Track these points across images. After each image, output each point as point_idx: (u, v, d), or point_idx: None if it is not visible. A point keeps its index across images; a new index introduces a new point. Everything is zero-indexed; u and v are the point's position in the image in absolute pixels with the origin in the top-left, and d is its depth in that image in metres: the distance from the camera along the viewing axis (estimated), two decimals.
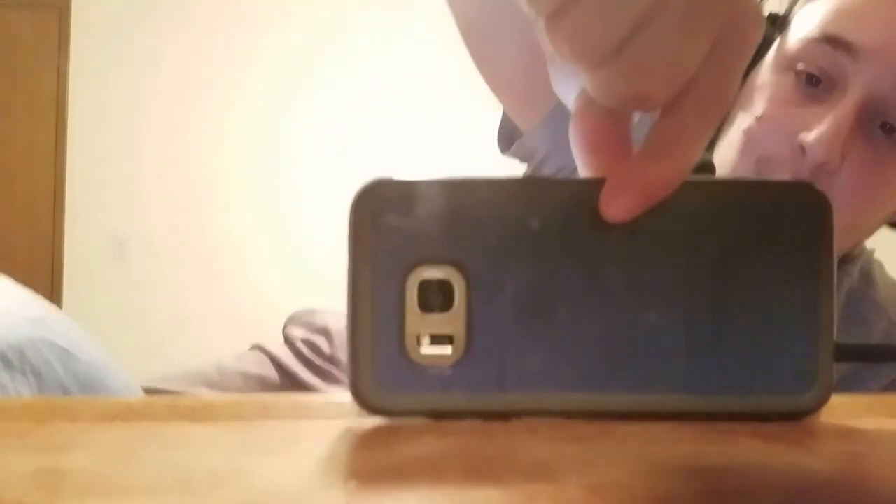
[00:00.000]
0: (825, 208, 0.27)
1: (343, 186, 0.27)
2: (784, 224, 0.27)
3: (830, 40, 0.56)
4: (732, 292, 0.27)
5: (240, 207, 3.29)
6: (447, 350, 0.27)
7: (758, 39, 0.27)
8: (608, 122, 0.28)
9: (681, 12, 0.25)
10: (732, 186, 0.29)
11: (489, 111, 0.75)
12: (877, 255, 0.71)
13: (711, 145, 0.64)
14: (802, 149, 0.56)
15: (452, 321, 0.27)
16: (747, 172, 0.59)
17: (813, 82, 0.57)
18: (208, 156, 3.30)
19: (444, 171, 0.28)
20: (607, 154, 0.28)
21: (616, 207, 0.26)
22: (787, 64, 0.59)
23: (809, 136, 0.55)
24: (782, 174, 0.56)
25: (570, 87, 0.29)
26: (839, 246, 0.63)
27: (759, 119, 0.58)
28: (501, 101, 0.73)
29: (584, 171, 0.28)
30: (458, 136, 3.08)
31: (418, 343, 0.27)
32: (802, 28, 0.58)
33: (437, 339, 0.27)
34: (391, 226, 0.27)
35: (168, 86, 3.30)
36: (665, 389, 0.27)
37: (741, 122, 0.60)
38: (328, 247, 2.82)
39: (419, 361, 0.27)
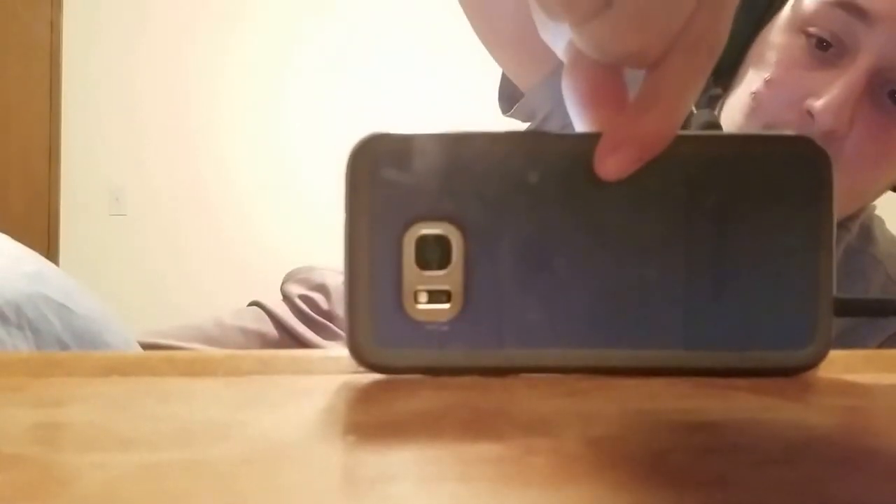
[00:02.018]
0: (825, 163, 0.27)
1: (346, 139, 0.26)
2: (784, 178, 0.27)
3: (844, 4, 0.55)
4: (731, 247, 0.27)
5: (238, 160, 3.27)
6: (445, 306, 0.27)
7: None
8: (602, 75, 0.27)
9: None
10: (732, 140, 0.29)
11: (492, 63, 0.74)
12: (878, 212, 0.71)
13: (717, 103, 0.63)
14: (810, 115, 0.55)
15: (450, 277, 0.27)
16: None
17: (823, 47, 0.56)
18: (206, 106, 3.27)
19: (443, 124, 0.28)
20: (603, 108, 0.27)
21: (610, 165, 0.26)
22: (799, 25, 0.58)
23: (818, 103, 0.55)
24: None
25: (559, 36, 0.28)
26: (841, 210, 0.63)
27: (767, 82, 0.58)
28: (500, 62, 0.72)
29: (580, 126, 0.28)
30: (459, 88, 3.05)
31: (416, 299, 0.27)
32: None
33: (434, 296, 0.27)
34: (388, 181, 0.26)
35: (162, 35, 3.25)
36: (664, 345, 0.27)
37: (750, 83, 0.59)
38: (329, 199, 2.82)
39: (417, 318, 0.27)
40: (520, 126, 0.74)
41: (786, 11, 0.60)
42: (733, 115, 0.60)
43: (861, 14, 0.55)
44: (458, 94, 3.05)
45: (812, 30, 0.57)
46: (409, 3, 3.21)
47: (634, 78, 0.27)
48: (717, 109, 0.64)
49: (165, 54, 3.26)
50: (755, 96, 0.58)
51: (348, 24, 3.26)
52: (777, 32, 0.60)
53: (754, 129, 0.58)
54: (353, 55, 3.27)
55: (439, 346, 0.27)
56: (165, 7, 3.26)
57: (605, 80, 0.27)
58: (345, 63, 3.28)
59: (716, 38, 0.26)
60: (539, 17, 0.29)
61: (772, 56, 0.59)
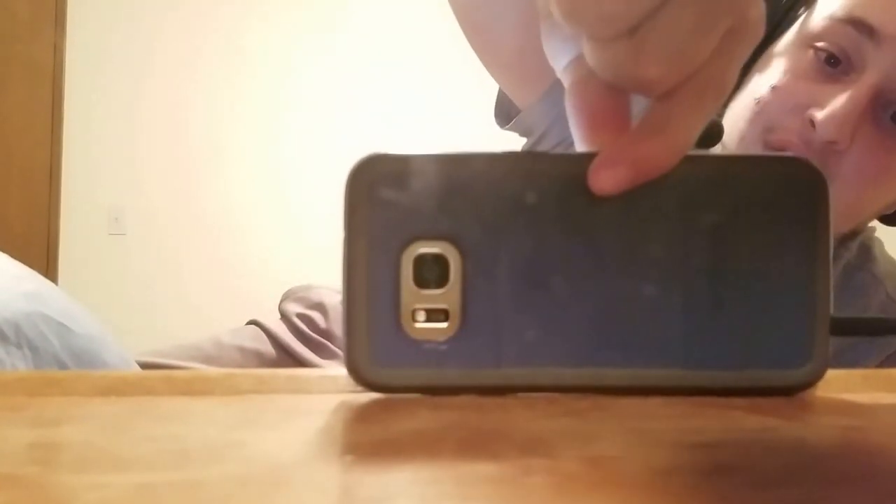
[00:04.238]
0: (821, 183, 0.27)
1: (343, 159, 0.27)
2: (780, 199, 0.27)
3: (855, 22, 0.56)
4: (728, 267, 0.27)
5: (237, 182, 3.28)
6: (443, 325, 0.27)
7: (762, 32, 0.27)
8: (608, 97, 0.27)
9: (701, 2, 0.25)
10: (730, 160, 0.29)
11: (488, 85, 0.74)
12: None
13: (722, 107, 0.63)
14: (812, 124, 0.56)
15: (448, 296, 0.27)
16: (755, 141, 0.59)
17: (831, 62, 0.57)
18: (205, 128, 3.28)
19: (441, 145, 0.28)
20: (606, 131, 0.27)
21: (603, 179, 0.26)
22: (808, 40, 0.58)
23: (821, 113, 0.55)
24: (789, 146, 0.56)
25: (562, 50, 0.29)
26: (838, 227, 0.63)
27: (773, 89, 0.58)
28: (498, 79, 0.73)
29: (581, 146, 0.28)
30: (457, 108, 3.06)
31: (413, 318, 0.27)
32: (829, 6, 0.58)
33: (432, 315, 0.27)
34: (387, 200, 0.27)
35: (165, 60, 3.27)
36: (661, 364, 0.27)
37: (754, 88, 0.60)
38: (328, 220, 2.82)
39: (414, 336, 0.27)
40: (517, 140, 0.74)
41: (795, 26, 0.61)
42: (736, 120, 0.60)
43: (870, 32, 0.55)
44: (456, 113, 3.06)
45: (820, 45, 0.57)
46: (406, 23, 3.23)
47: (635, 101, 0.27)
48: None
49: (166, 78, 3.28)
50: (759, 101, 0.59)
51: (346, 47, 3.28)
52: (786, 45, 0.60)
53: (756, 134, 0.59)
54: (350, 77, 3.29)
55: (437, 365, 0.27)
56: (167, 32, 3.28)
57: (610, 104, 0.27)
58: (342, 85, 3.29)
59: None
60: (547, 29, 0.29)
61: (779, 65, 0.59)
